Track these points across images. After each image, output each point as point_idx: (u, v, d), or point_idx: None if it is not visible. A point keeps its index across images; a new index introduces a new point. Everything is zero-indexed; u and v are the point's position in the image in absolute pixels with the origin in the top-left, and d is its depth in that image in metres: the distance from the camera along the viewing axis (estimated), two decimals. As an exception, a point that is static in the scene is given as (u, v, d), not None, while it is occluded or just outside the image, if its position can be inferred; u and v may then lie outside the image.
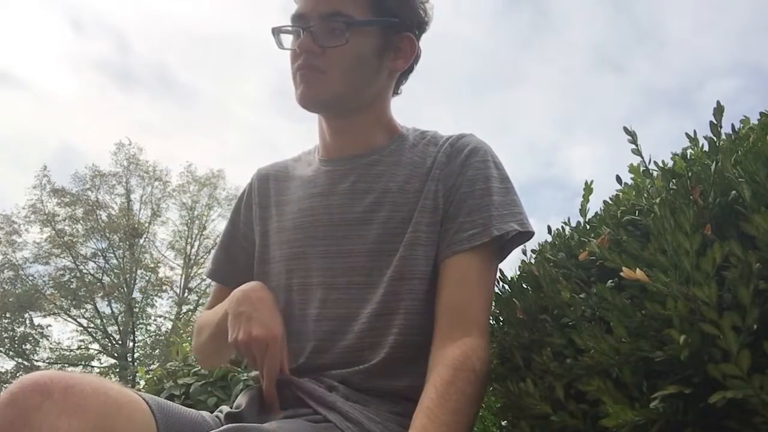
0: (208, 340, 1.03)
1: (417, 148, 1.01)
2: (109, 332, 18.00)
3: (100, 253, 18.16)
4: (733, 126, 0.79)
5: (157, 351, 17.63)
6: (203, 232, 19.05)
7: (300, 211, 1.01)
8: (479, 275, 0.90)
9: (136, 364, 16.66)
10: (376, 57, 0.96)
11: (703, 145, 0.80)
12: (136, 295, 18.20)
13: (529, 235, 0.94)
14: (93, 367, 17.69)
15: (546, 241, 1.06)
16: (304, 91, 0.94)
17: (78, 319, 17.79)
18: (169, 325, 17.57)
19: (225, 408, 0.93)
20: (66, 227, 17.83)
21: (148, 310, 18.46)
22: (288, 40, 0.99)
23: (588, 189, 1.00)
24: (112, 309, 18.02)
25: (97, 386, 0.69)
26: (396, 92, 1.05)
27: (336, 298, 0.94)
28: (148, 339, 18.51)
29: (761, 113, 0.83)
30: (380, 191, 0.96)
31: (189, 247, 18.97)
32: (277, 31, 0.98)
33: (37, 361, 17.23)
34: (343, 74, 0.93)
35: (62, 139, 26.41)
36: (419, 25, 1.00)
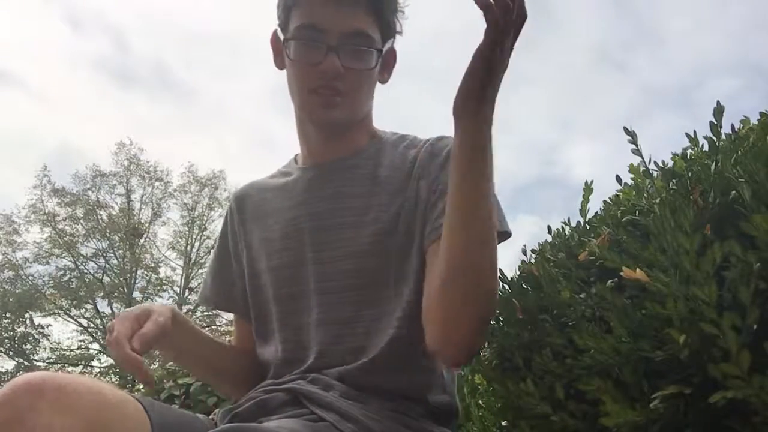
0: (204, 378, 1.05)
1: (397, 150, 1.01)
2: (109, 332, 18.00)
3: (100, 253, 18.18)
4: (732, 126, 0.79)
5: (157, 351, 17.61)
6: (204, 233, 19.06)
7: (285, 221, 1.01)
8: None
9: (136, 364, 16.65)
10: (377, 75, 0.98)
11: (703, 146, 0.80)
12: (137, 295, 18.20)
13: (505, 235, 0.93)
14: (93, 367, 17.70)
15: (546, 241, 1.06)
16: (323, 113, 0.94)
17: (78, 319, 17.81)
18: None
19: (220, 411, 0.93)
20: (66, 227, 17.85)
21: (148, 310, 18.45)
22: (295, 47, 0.94)
23: (588, 189, 1.00)
24: (112, 309, 18.02)
25: (91, 386, 0.69)
26: None
27: (334, 302, 0.94)
28: (148, 339, 18.51)
29: (761, 113, 0.83)
30: (365, 194, 0.97)
31: (189, 247, 18.97)
32: (289, 40, 0.93)
33: (37, 361, 17.25)
34: (359, 97, 0.95)
35: (61, 139, 26.47)
36: (397, 34, 1.02)
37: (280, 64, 1.00)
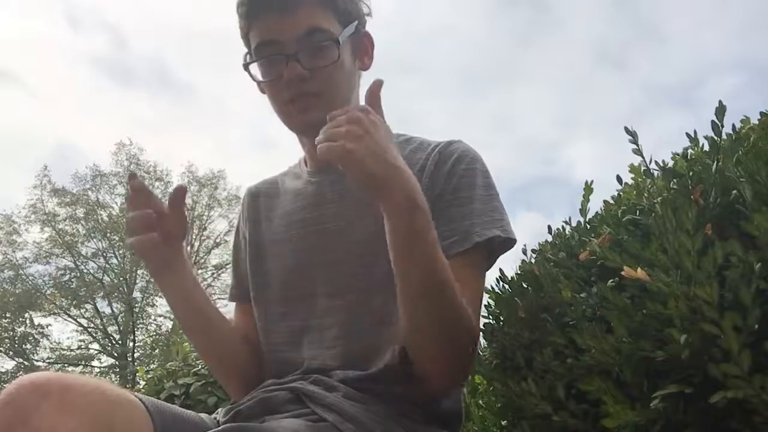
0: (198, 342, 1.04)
1: (403, 154, 1.00)
2: (109, 332, 18.01)
3: (100, 253, 18.17)
4: (734, 126, 0.79)
5: (157, 351, 17.63)
6: (203, 233, 19.05)
7: (292, 224, 1.02)
8: (462, 282, 0.90)
9: (135, 364, 16.67)
10: (352, 64, 0.96)
11: (703, 145, 0.80)
12: (136, 294, 18.21)
13: (511, 242, 0.94)
14: (93, 367, 17.71)
15: (546, 241, 1.06)
16: (302, 119, 0.93)
17: (78, 319, 17.81)
18: (169, 325, 17.56)
19: (222, 410, 0.93)
20: (66, 227, 17.85)
21: (148, 309, 18.47)
22: (256, 70, 0.94)
23: (588, 189, 1.00)
24: (112, 309, 18.03)
25: (95, 386, 0.69)
26: None
27: (337, 306, 0.94)
28: (148, 339, 18.52)
29: (761, 113, 0.83)
30: (371, 198, 0.96)
31: (189, 247, 18.95)
32: (248, 66, 0.93)
33: (37, 361, 17.24)
34: (336, 93, 0.93)
35: (61, 137, 26.44)
36: (366, 17, 0.99)
37: (261, 89, 0.99)
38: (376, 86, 0.83)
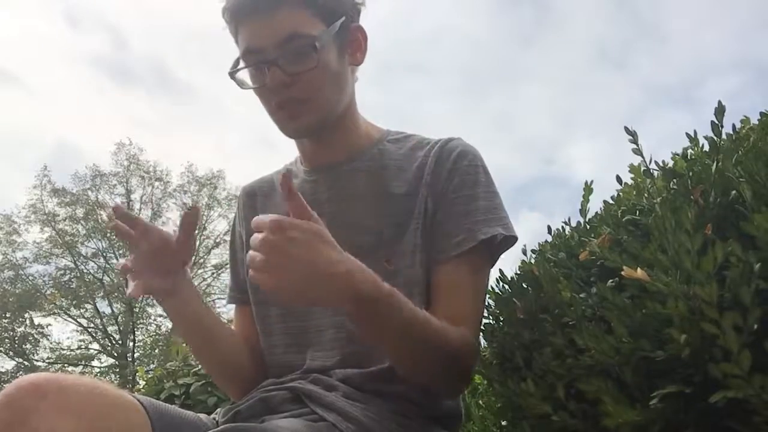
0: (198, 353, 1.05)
1: (401, 152, 1.00)
2: (109, 332, 18.01)
3: (100, 253, 18.16)
4: (734, 126, 0.79)
5: (157, 351, 17.62)
6: (203, 233, 19.03)
7: None
8: (469, 280, 0.90)
9: (135, 364, 16.67)
10: (340, 63, 0.94)
11: (703, 145, 0.80)
12: (137, 295, 18.18)
13: (513, 239, 0.94)
14: (93, 367, 17.71)
15: (546, 241, 1.06)
16: (294, 126, 0.93)
17: (78, 319, 17.81)
18: (169, 324, 17.54)
19: (222, 410, 0.93)
20: (66, 227, 17.84)
21: (148, 309, 18.44)
22: (246, 77, 0.95)
23: (588, 189, 1.00)
24: (112, 309, 18.02)
25: (93, 387, 0.69)
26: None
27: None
28: (148, 339, 18.52)
29: (761, 113, 0.83)
30: (370, 197, 0.96)
31: (189, 247, 18.91)
32: (234, 75, 0.93)
33: (37, 361, 17.24)
34: (323, 96, 0.92)
35: (60, 137, 26.39)
36: (358, 10, 0.97)
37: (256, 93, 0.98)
38: (286, 179, 0.76)
